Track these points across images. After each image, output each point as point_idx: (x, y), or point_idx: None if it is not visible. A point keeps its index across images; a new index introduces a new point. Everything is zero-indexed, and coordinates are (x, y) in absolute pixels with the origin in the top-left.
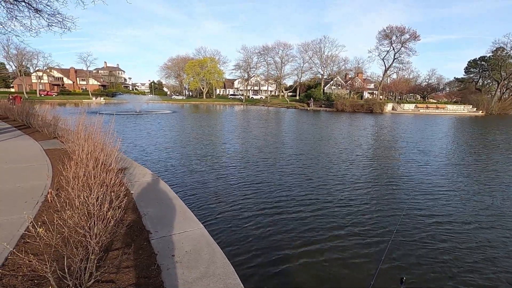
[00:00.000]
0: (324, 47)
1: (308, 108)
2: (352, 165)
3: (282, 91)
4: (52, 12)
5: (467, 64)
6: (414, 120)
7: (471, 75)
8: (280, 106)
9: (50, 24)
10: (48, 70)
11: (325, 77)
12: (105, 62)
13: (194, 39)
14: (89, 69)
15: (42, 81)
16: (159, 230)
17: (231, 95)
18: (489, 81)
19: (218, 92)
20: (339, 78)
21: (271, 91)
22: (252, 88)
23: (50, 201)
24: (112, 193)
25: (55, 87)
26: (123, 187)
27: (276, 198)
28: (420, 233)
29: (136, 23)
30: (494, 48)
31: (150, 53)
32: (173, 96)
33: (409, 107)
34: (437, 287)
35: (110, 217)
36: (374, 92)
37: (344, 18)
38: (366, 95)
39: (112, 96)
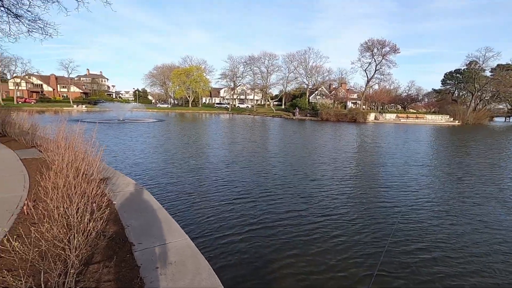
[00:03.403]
0: (309, 57)
1: (294, 117)
2: (342, 171)
3: (268, 100)
4: (33, 18)
5: (444, 76)
6: (396, 129)
7: (448, 87)
8: (266, 115)
9: (30, 30)
10: (26, 77)
11: (310, 87)
12: (87, 69)
13: (179, 48)
14: (71, 76)
15: (20, 88)
16: (142, 241)
17: (217, 103)
18: (464, 92)
19: (204, 100)
20: (323, 88)
21: (257, 100)
22: (238, 97)
23: (26, 213)
24: (94, 204)
25: (34, 94)
26: (105, 198)
27: (263, 209)
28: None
29: (121, 32)
30: (468, 62)
31: (134, 61)
32: (158, 105)
33: (390, 116)
34: None
35: (91, 229)
36: (357, 102)
37: (328, 31)
38: (349, 104)
39: (95, 104)
